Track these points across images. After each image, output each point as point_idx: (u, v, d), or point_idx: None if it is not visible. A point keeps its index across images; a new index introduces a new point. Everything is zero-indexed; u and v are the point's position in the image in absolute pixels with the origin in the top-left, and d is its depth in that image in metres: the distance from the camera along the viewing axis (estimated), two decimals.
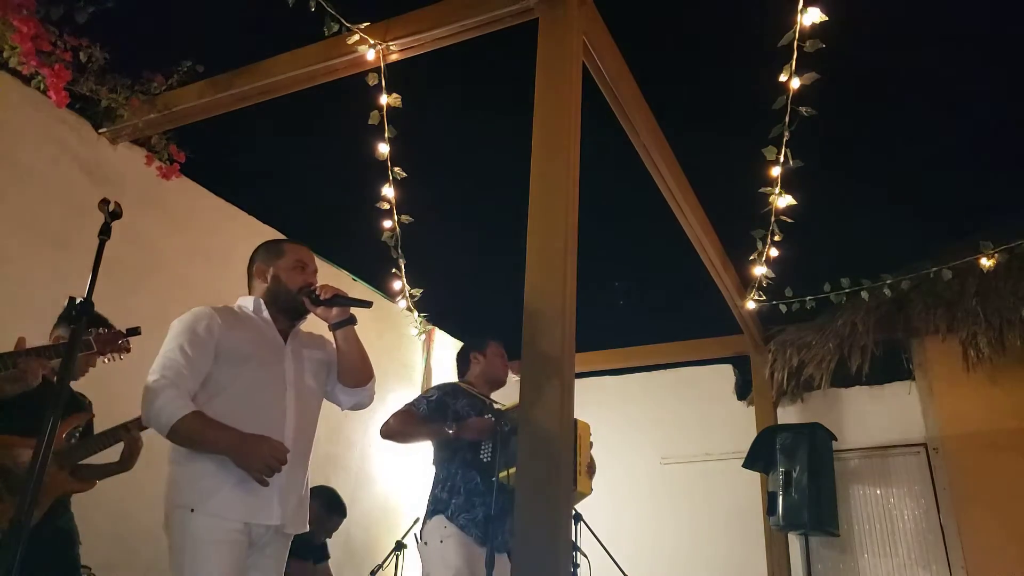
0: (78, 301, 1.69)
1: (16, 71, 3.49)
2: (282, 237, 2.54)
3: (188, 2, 3.62)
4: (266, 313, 2.37)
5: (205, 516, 2.04)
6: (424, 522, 3.17)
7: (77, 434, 2.88)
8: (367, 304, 2.39)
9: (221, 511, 2.06)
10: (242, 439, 2.06)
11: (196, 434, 2.07)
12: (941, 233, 5.10)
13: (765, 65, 3.47)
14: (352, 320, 2.37)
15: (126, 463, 2.88)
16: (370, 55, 3.50)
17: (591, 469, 3.26)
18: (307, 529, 2.32)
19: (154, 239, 4.17)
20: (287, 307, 2.38)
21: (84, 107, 3.88)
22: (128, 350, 2.74)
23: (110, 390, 3.07)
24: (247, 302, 2.42)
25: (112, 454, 2.87)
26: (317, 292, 2.33)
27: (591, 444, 3.33)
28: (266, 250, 2.49)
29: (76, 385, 3.00)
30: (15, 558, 1.39)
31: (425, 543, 3.11)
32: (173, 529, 2.07)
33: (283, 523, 2.17)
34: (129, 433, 2.83)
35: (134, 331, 2.75)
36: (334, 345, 2.44)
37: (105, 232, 1.80)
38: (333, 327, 2.36)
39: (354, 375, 2.41)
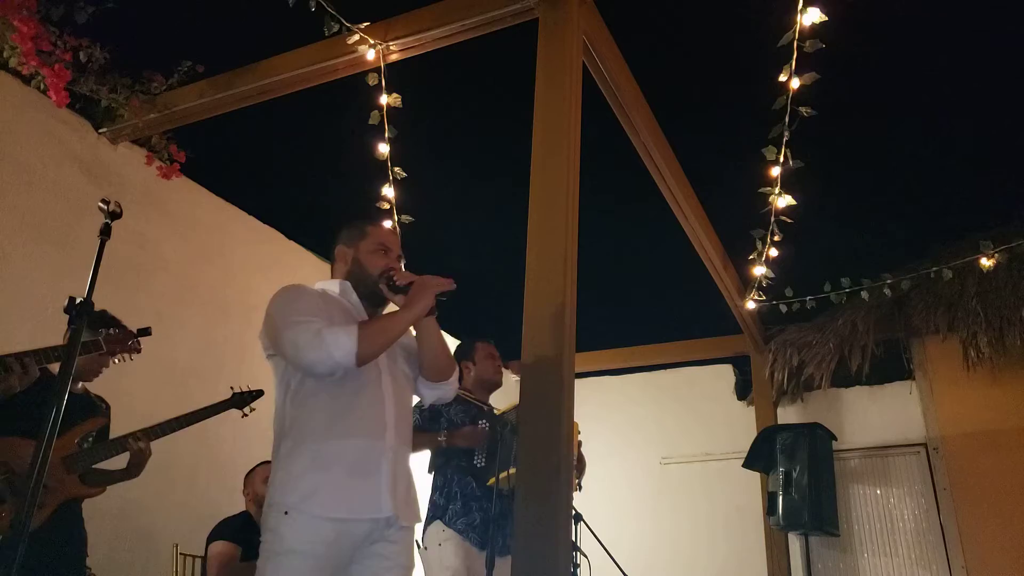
0: (78, 301, 1.69)
1: (16, 71, 3.49)
2: (365, 218, 2.41)
3: (188, 2, 3.62)
4: (354, 296, 2.22)
5: (304, 517, 1.89)
6: (424, 528, 3.21)
7: (91, 438, 2.90)
8: (450, 291, 2.19)
9: (324, 510, 1.90)
10: (412, 297, 2.06)
11: (381, 333, 2.01)
12: (941, 233, 5.09)
13: (765, 65, 3.47)
14: (434, 311, 2.19)
15: (132, 471, 2.91)
16: (370, 55, 3.50)
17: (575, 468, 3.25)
18: (421, 521, 2.18)
19: (154, 239, 4.17)
20: (368, 292, 2.23)
21: (84, 107, 3.87)
22: (139, 350, 2.74)
23: (123, 391, 3.09)
24: (332, 285, 2.25)
25: (119, 461, 2.91)
26: (396, 279, 2.18)
27: (579, 442, 3.30)
28: (348, 231, 2.34)
29: (91, 386, 3.04)
30: (15, 560, 1.39)
31: (425, 548, 3.17)
32: (265, 529, 1.93)
33: (395, 514, 2.01)
34: (137, 443, 2.86)
35: (145, 331, 2.77)
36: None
37: (105, 232, 1.79)
38: None
39: (437, 369, 2.28)
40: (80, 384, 3.01)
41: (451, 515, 3.13)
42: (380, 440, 2.05)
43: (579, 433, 3.32)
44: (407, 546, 2.09)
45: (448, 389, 2.35)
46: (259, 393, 3.35)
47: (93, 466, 2.85)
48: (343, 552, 1.94)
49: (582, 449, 3.38)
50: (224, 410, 3.22)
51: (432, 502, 3.26)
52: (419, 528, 3.29)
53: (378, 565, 2.00)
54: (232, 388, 3.29)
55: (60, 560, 2.75)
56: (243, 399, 3.31)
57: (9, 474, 2.57)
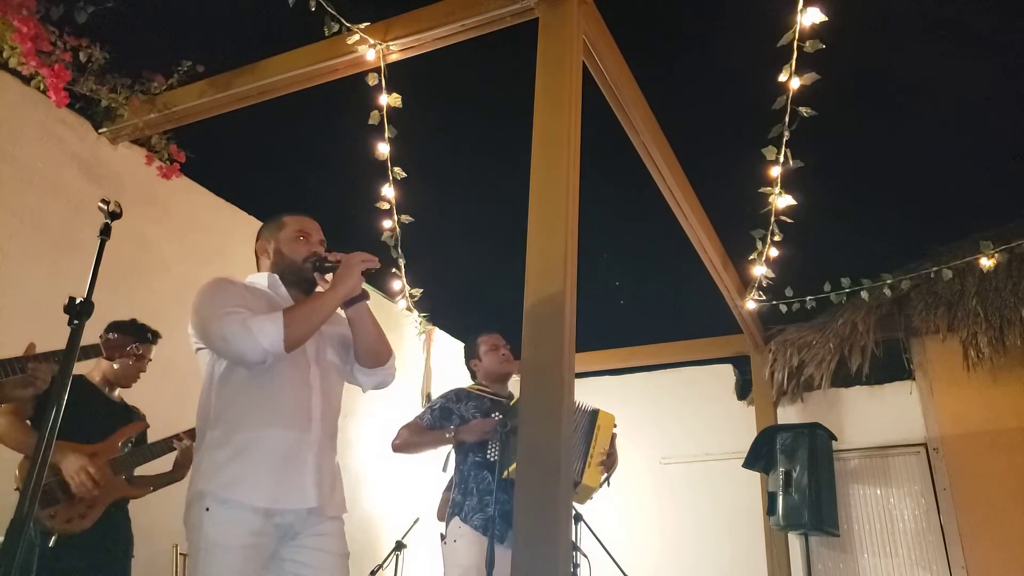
0: (78, 301, 1.69)
1: (16, 71, 3.49)
2: None
3: (188, 2, 3.62)
4: (283, 288, 2.23)
5: (228, 508, 1.90)
6: (446, 524, 3.28)
7: (131, 443, 2.95)
8: (375, 268, 2.20)
9: (249, 498, 1.91)
10: (338, 276, 2.11)
11: (307, 317, 2.04)
12: (941, 233, 5.09)
13: (765, 65, 3.47)
14: (365, 296, 2.23)
15: (178, 472, 3.01)
16: (370, 55, 3.50)
17: (607, 463, 3.28)
18: (347, 512, 2.18)
19: (154, 239, 4.17)
20: (295, 280, 2.25)
21: (84, 107, 3.88)
22: (138, 356, 2.74)
23: (122, 391, 3.12)
24: (259, 278, 2.27)
25: (162, 465, 3.02)
26: (328, 261, 2.21)
27: (614, 435, 3.35)
28: (267, 226, 2.37)
29: (124, 395, 3.11)
30: (14, 557, 1.39)
31: (444, 543, 3.25)
32: (190, 525, 1.95)
33: (320, 505, 2.04)
34: (182, 443, 2.98)
35: (149, 336, 2.79)
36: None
37: (105, 232, 1.79)
38: (344, 304, 2.20)
39: (372, 354, 2.29)
40: (116, 392, 3.05)
41: (467, 511, 3.17)
42: (306, 432, 2.07)
43: (615, 426, 3.34)
44: (340, 536, 2.12)
45: (385, 375, 2.37)
46: None
47: (136, 471, 2.96)
48: (270, 542, 1.96)
49: (616, 443, 3.39)
50: None
51: (452, 499, 3.30)
52: (442, 523, 3.38)
53: (313, 557, 2.02)
54: None
55: (108, 560, 2.80)
56: None
57: (60, 476, 2.63)
